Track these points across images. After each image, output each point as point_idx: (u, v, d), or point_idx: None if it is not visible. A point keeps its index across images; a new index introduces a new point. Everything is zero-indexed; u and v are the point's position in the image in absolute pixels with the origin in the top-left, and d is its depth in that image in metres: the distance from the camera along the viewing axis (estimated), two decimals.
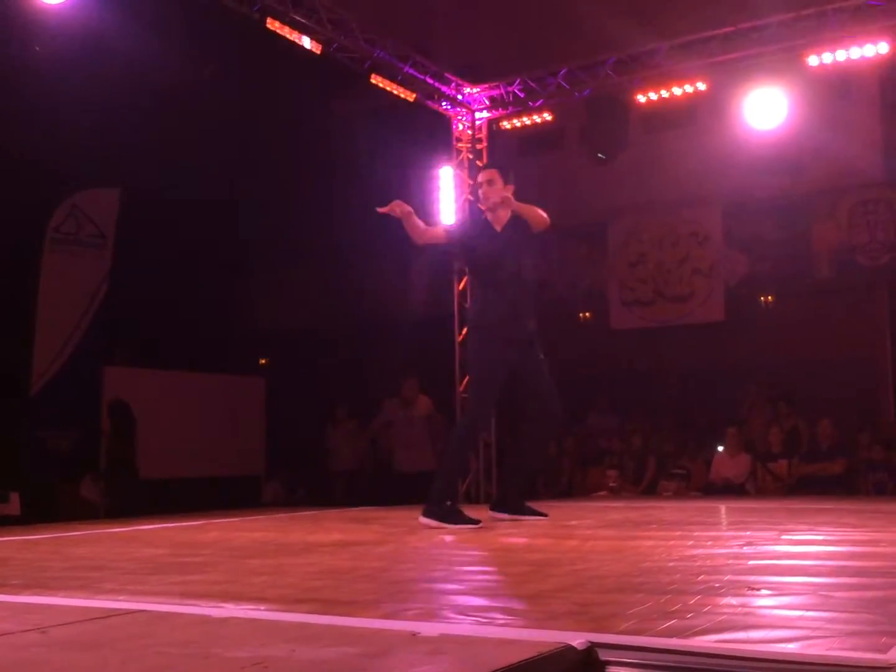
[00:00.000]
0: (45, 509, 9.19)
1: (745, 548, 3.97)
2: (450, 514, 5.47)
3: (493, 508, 5.99)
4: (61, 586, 3.15)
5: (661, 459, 10.82)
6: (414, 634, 2.09)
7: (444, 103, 9.93)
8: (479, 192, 5.98)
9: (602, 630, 2.09)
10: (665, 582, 2.90)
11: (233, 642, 2.07)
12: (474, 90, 9.95)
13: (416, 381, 10.24)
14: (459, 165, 10.04)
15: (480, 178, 6.05)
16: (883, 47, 8.34)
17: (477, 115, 10.10)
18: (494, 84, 9.89)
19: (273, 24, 7.96)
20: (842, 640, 1.96)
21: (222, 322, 13.10)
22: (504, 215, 5.88)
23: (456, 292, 9.92)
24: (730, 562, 3.46)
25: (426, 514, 5.50)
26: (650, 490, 10.45)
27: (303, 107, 11.92)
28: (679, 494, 9.92)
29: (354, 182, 12.20)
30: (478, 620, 2.31)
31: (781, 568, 3.34)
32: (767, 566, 3.38)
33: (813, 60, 8.56)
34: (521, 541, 4.64)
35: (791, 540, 4.41)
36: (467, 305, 9.80)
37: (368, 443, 11.81)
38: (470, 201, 9.87)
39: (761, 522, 5.42)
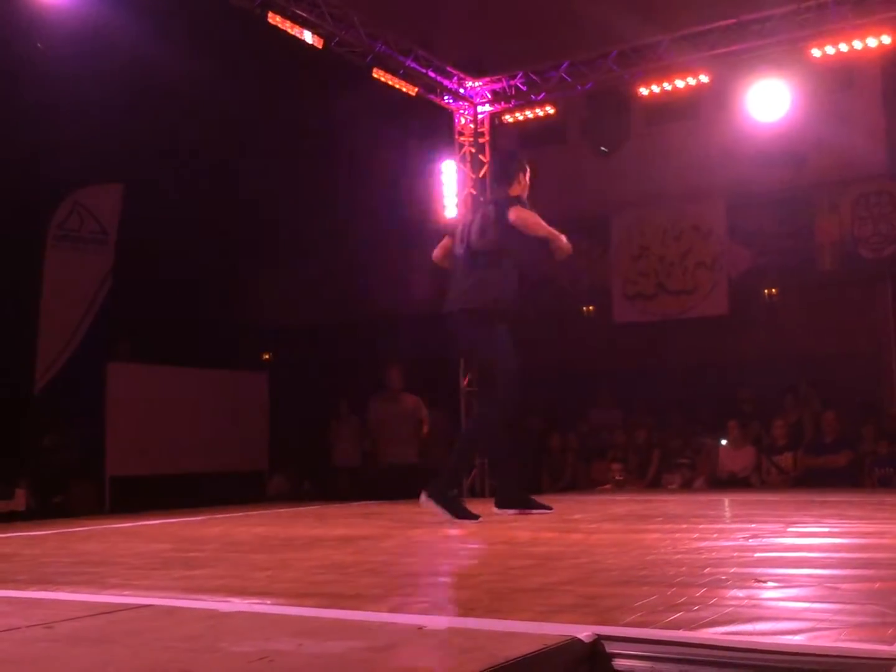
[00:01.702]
0: (50, 505, 9.22)
1: (750, 540, 3.97)
2: (453, 505, 5.48)
3: (497, 506, 5.93)
4: (67, 581, 3.15)
5: (666, 453, 10.82)
6: (420, 628, 2.09)
7: (446, 97, 9.92)
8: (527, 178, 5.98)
9: (608, 623, 2.09)
10: (671, 574, 2.90)
11: (239, 636, 2.07)
12: (476, 84, 9.94)
13: (399, 371, 10.15)
14: (462, 159, 10.03)
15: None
16: (885, 39, 8.33)
17: (479, 108, 10.09)
18: (496, 77, 9.88)
19: (274, 19, 7.96)
20: (848, 632, 1.96)
21: (225, 318, 13.10)
22: None
23: None
24: (735, 554, 3.45)
25: (431, 496, 5.46)
26: (655, 483, 10.45)
27: (305, 102, 11.91)
28: (684, 487, 9.93)
29: (357, 177, 12.20)
30: (484, 614, 2.31)
31: (787, 560, 3.33)
32: (773, 558, 3.38)
33: (815, 52, 8.55)
34: (526, 534, 4.64)
35: (797, 532, 4.41)
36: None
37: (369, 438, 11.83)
38: (473, 195, 9.86)
39: (767, 515, 5.42)
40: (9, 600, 2.74)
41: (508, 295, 5.74)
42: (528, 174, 6.00)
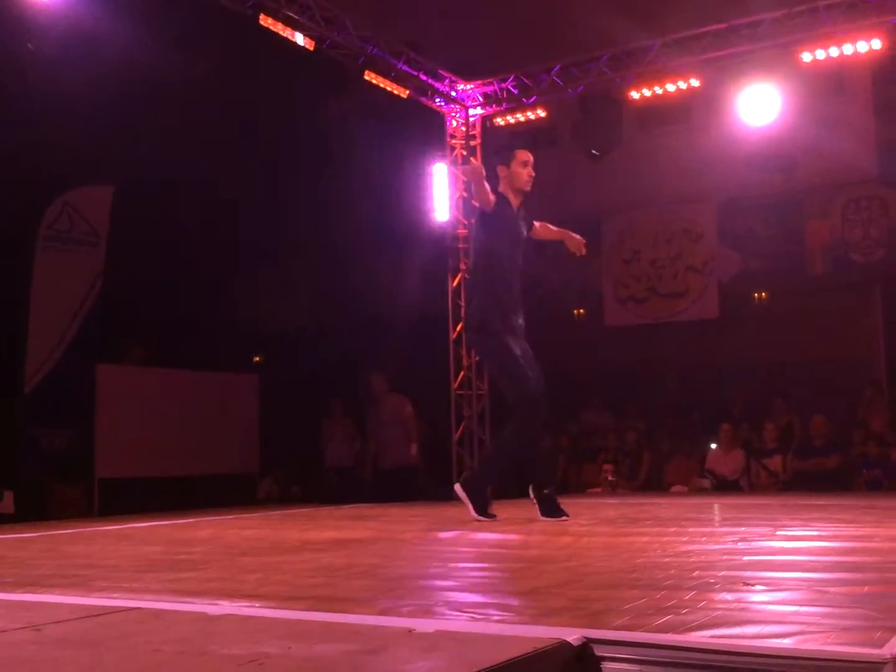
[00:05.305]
0: (39, 507, 9.18)
1: (739, 543, 3.97)
2: (480, 501, 5.50)
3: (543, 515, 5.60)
4: (55, 584, 3.14)
5: (656, 456, 10.83)
6: (410, 631, 2.09)
7: (437, 100, 9.92)
8: (525, 171, 5.78)
9: (597, 626, 2.09)
10: (660, 577, 2.91)
11: (228, 640, 2.07)
12: (468, 87, 9.95)
13: (379, 376, 10.29)
14: (453, 162, 10.03)
15: (524, 157, 5.83)
16: (875, 43, 8.35)
17: (471, 111, 10.10)
18: (488, 80, 9.88)
19: (266, 21, 7.95)
20: (836, 635, 1.96)
21: (216, 319, 13.07)
22: (517, 201, 5.80)
23: (450, 290, 9.92)
24: (724, 557, 3.46)
25: (464, 486, 5.55)
26: (645, 486, 10.47)
27: (298, 104, 11.90)
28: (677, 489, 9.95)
29: (349, 179, 12.19)
30: (473, 617, 2.31)
31: (776, 563, 3.34)
32: (762, 562, 3.39)
33: (806, 57, 8.57)
34: (516, 537, 4.65)
35: (785, 536, 4.42)
36: (463, 303, 9.80)
37: (363, 440, 11.83)
38: (464, 198, 9.86)
39: (756, 518, 5.43)
40: None
41: (487, 306, 5.62)
42: (511, 166, 5.76)
